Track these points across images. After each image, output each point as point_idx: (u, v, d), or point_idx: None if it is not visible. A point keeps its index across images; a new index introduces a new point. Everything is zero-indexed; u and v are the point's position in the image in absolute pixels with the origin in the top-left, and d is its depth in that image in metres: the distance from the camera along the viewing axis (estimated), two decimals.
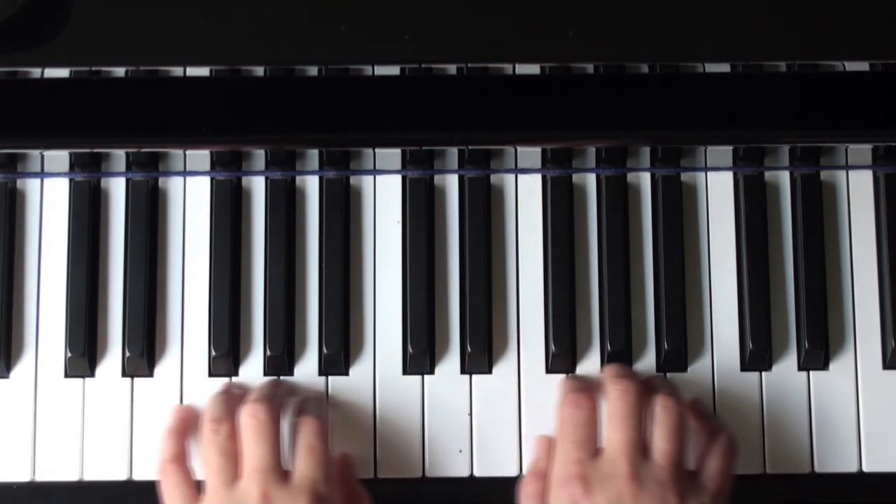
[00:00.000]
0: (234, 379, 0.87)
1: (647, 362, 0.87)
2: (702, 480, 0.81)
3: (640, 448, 0.80)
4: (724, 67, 0.84)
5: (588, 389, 0.83)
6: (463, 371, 0.88)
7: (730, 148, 0.88)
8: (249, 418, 0.81)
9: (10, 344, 0.87)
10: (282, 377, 0.88)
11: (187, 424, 0.85)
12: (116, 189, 0.89)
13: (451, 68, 0.84)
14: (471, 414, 0.87)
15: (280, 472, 0.80)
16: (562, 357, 0.87)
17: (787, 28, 0.81)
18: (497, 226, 0.89)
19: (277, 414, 0.82)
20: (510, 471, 0.87)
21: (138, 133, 0.84)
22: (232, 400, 0.84)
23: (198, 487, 0.83)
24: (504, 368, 0.88)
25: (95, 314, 0.88)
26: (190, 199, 0.89)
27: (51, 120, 0.84)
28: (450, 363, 0.88)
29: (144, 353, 0.87)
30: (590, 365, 0.88)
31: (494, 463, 0.87)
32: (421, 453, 0.87)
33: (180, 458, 0.84)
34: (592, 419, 0.82)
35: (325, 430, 0.82)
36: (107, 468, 0.86)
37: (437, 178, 0.89)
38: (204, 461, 0.82)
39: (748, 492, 0.86)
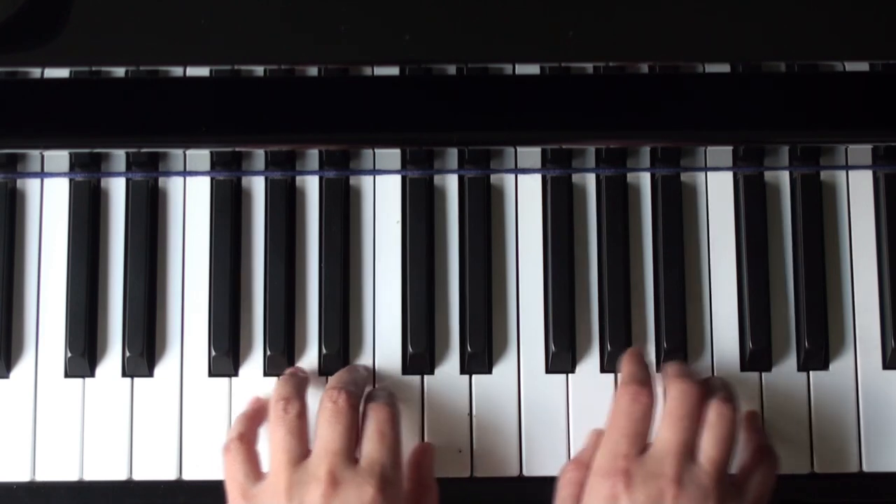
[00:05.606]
0: (234, 379, 0.88)
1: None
2: (743, 493, 0.81)
3: (689, 451, 0.79)
4: (724, 67, 0.84)
5: (648, 383, 0.81)
6: (463, 371, 0.87)
7: (730, 148, 0.88)
8: (329, 402, 0.81)
9: (10, 344, 0.87)
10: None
11: (261, 413, 0.85)
12: (116, 189, 0.89)
13: (451, 68, 0.84)
14: (471, 414, 0.87)
15: (350, 456, 0.80)
16: (562, 357, 0.87)
17: (787, 28, 0.81)
18: (497, 226, 0.89)
19: (357, 402, 0.82)
20: (511, 471, 0.87)
21: (138, 133, 0.84)
22: (300, 382, 0.84)
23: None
24: (504, 368, 0.88)
25: (95, 314, 0.88)
26: (190, 199, 0.89)
27: (51, 120, 0.84)
28: (450, 363, 0.88)
29: (144, 353, 0.87)
30: (589, 365, 0.88)
31: (495, 463, 0.87)
32: None
33: (246, 439, 0.83)
34: (648, 415, 0.80)
35: (396, 419, 0.82)
36: (107, 468, 0.86)
37: (437, 178, 0.89)
38: (271, 439, 0.81)
39: None
